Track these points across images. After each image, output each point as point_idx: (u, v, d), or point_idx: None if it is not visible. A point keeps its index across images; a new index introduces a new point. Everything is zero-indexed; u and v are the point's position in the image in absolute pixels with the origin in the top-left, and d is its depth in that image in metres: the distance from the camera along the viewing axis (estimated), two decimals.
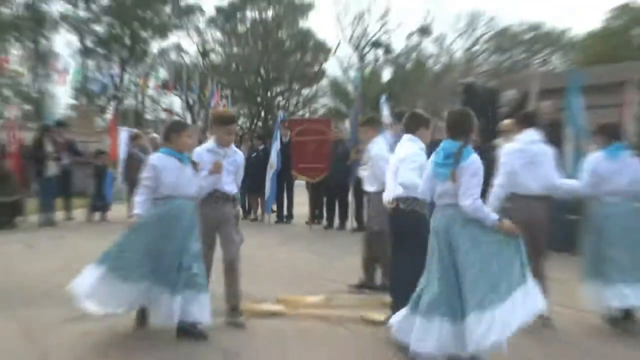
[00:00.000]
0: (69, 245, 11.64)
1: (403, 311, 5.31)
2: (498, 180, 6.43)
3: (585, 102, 9.99)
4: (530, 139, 6.58)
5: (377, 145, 7.84)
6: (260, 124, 50.89)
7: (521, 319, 4.88)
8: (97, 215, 15.65)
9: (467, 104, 11.42)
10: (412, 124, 6.43)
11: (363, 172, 8.19)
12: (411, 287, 5.39)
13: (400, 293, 5.77)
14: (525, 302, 4.93)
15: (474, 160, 5.17)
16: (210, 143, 6.56)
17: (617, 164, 6.46)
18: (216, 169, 6.31)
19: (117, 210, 16.06)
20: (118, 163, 16.09)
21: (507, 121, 11.42)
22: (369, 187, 7.93)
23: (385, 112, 13.21)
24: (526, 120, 6.75)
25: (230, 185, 6.57)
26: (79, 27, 47.23)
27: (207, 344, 5.75)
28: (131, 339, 5.92)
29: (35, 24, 44.58)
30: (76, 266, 9.37)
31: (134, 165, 16.07)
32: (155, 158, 5.96)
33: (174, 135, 6.05)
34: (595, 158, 6.56)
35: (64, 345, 5.73)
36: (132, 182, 16.07)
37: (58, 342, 5.80)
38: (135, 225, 5.81)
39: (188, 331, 5.80)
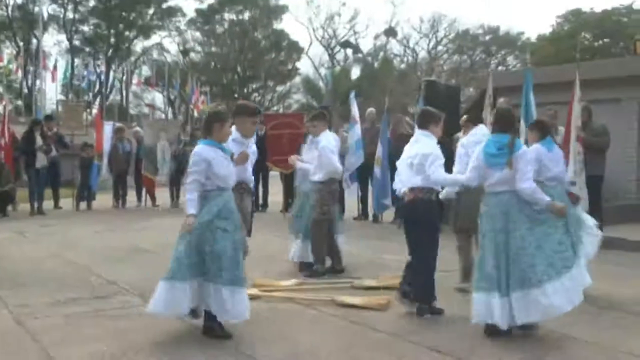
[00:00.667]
0: (58, 233, 11.51)
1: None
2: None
3: (536, 99, 10.03)
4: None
5: (325, 138, 7.89)
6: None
7: (579, 292, 5.33)
8: (83, 205, 15.47)
9: (429, 100, 11.42)
10: (424, 121, 6.36)
11: (301, 164, 8.33)
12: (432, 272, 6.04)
13: (426, 278, 6.06)
14: (579, 277, 5.40)
15: (525, 150, 5.62)
16: (234, 133, 6.00)
17: (553, 154, 6.56)
18: (243, 159, 5.93)
19: (102, 200, 15.92)
20: (103, 155, 15.91)
21: (466, 116, 11.48)
22: (315, 177, 7.99)
23: (355, 108, 13.21)
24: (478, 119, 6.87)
25: (250, 176, 6.39)
26: (67, 27, 46.77)
27: (186, 327, 5.67)
28: (119, 320, 5.84)
29: (26, 24, 44.05)
30: (64, 253, 9.38)
31: (118, 157, 15.96)
32: (204, 150, 5.35)
33: (217, 125, 5.44)
34: (537, 149, 6.57)
35: (54, 327, 5.63)
36: (116, 173, 15.98)
37: (47, 325, 5.70)
38: (195, 226, 5.23)
39: (213, 329, 5.37)
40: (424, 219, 6.10)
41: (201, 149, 5.37)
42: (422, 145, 6.15)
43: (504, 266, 5.32)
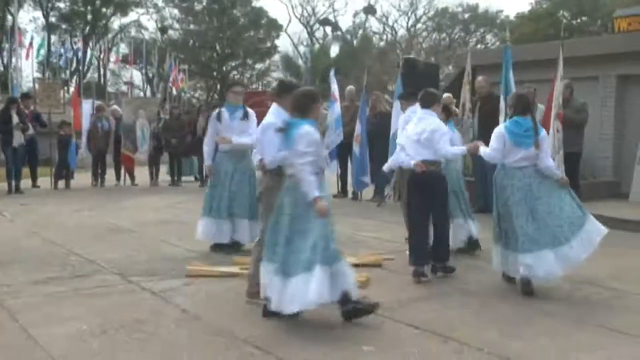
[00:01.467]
0: (36, 212, 11.44)
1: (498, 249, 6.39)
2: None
3: (515, 77, 10.09)
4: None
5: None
6: (216, 96, 50.47)
7: (593, 241, 6.13)
8: (62, 183, 15.37)
9: (408, 78, 11.42)
10: (427, 101, 6.93)
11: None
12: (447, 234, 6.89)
13: (445, 242, 6.81)
14: (594, 229, 6.19)
15: (545, 133, 6.44)
16: (282, 112, 5.74)
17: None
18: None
19: (80, 178, 15.83)
20: (81, 133, 15.78)
21: (446, 94, 11.50)
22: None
23: (334, 85, 13.18)
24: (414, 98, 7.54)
25: None
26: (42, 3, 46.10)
27: (165, 306, 5.69)
28: (99, 299, 5.84)
29: (1, 0, 43.33)
30: (43, 232, 9.33)
31: (97, 135, 15.85)
32: (315, 132, 5.24)
33: (314, 106, 5.40)
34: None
35: (33, 307, 5.61)
36: (96, 151, 15.87)
37: (27, 304, 5.68)
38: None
39: (357, 309, 5.18)
40: (438, 188, 6.74)
41: (313, 130, 5.22)
42: (428, 122, 6.73)
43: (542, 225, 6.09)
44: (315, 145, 5.19)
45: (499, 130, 6.37)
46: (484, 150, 6.49)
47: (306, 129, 5.16)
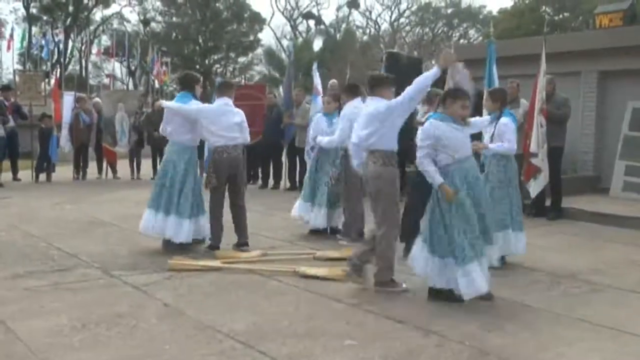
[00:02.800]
0: (17, 205, 11.33)
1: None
2: None
3: (498, 72, 10.11)
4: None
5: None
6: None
7: None
8: (43, 176, 15.25)
9: (390, 72, 11.41)
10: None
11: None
12: None
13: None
14: None
15: None
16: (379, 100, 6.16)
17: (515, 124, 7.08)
18: None
19: (62, 171, 15.71)
20: (62, 126, 15.65)
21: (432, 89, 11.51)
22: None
23: (317, 79, 13.17)
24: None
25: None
26: None
27: (147, 300, 5.67)
28: (80, 293, 5.81)
29: None
30: (23, 225, 9.26)
31: (79, 128, 15.72)
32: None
33: (449, 100, 5.72)
34: (509, 120, 6.88)
35: (13, 301, 5.58)
36: (78, 144, 15.74)
37: (7, 298, 5.64)
38: (461, 198, 5.46)
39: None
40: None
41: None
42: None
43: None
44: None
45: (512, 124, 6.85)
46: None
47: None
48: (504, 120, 6.87)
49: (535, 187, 9.28)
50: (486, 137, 7.03)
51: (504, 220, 6.74)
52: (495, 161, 6.92)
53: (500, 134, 6.83)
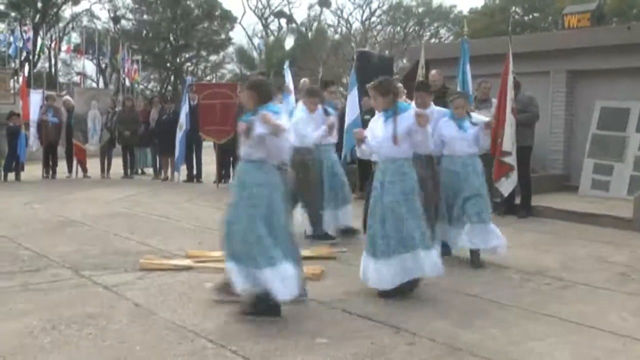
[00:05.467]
0: None
1: None
2: None
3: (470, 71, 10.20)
4: None
5: None
6: (170, 88, 49.98)
7: None
8: (11, 176, 15.07)
9: (362, 70, 11.47)
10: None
11: None
12: None
13: None
14: None
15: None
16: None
17: None
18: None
19: (31, 170, 15.54)
20: (30, 124, 15.47)
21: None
22: None
23: (289, 78, 13.15)
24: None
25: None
26: None
27: (118, 300, 5.63)
28: (50, 294, 5.75)
29: None
30: None
31: (47, 127, 15.56)
32: None
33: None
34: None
35: None
36: (46, 143, 15.57)
37: None
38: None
39: None
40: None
41: None
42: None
43: None
44: None
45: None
46: None
47: None
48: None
49: (507, 186, 9.36)
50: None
51: None
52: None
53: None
